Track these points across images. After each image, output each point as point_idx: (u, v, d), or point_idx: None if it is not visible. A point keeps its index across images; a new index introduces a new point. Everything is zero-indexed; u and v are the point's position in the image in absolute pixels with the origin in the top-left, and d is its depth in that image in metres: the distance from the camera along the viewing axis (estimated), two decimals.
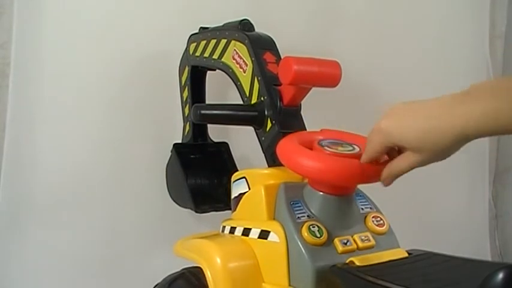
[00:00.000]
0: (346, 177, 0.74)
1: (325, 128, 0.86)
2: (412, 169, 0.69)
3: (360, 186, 0.83)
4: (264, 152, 0.89)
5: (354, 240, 0.76)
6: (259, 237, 0.80)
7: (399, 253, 0.76)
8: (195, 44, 1.05)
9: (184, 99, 1.12)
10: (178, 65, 1.13)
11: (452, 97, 0.64)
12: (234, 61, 0.94)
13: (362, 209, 0.82)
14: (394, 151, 0.71)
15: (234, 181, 0.90)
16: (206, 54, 1.02)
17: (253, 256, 0.81)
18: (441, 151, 0.65)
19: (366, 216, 0.81)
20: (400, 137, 0.66)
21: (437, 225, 1.45)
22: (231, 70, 0.95)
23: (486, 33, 1.51)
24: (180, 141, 1.13)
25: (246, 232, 0.83)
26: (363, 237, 0.77)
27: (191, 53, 1.07)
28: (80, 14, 1.15)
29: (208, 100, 1.11)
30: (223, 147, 1.13)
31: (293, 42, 1.07)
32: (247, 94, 0.91)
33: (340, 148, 0.78)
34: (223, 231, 0.90)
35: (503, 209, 1.58)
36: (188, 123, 1.11)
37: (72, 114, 1.16)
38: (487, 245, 1.51)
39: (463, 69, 1.50)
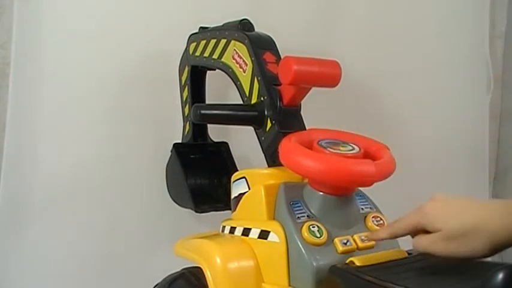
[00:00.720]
0: (346, 178, 0.74)
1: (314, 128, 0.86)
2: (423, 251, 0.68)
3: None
4: (263, 152, 0.89)
5: (354, 240, 0.76)
6: (259, 237, 0.81)
7: (399, 253, 0.76)
8: (194, 43, 1.05)
9: (184, 99, 1.12)
10: (178, 65, 1.13)
11: (506, 204, 0.63)
12: (234, 61, 0.94)
13: (362, 209, 0.82)
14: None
15: (234, 181, 0.90)
16: (206, 54, 1.01)
17: (253, 256, 0.81)
18: (471, 250, 0.63)
19: (365, 216, 0.81)
20: (442, 222, 0.64)
21: None
22: (230, 70, 0.95)
23: (486, 33, 1.51)
24: (180, 141, 1.13)
25: (246, 232, 0.83)
26: (362, 237, 0.77)
27: (191, 52, 1.07)
28: (80, 14, 1.15)
29: (208, 100, 1.11)
30: (223, 147, 1.13)
31: (293, 42, 1.07)
32: (247, 94, 0.91)
33: (340, 148, 0.78)
34: (223, 231, 0.90)
35: None
36: (188, 123, 1.11)
37: (72, 114, 1.16)
38: None
39: (463, 69, 1.50)
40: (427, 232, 0.67)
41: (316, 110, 0.96)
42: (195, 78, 1.09)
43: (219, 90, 1.14)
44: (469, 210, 0.64)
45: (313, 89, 0.85)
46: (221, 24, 1.01)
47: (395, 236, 0.72)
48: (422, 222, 0.67)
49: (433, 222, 0.65)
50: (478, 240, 0.62)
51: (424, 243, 0.67)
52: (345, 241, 0.75)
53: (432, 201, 0.68)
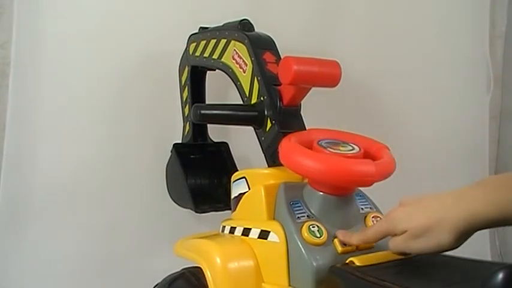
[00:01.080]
0: (346, 178, 0.74)
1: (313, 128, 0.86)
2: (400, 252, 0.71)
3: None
4: (263, 152, 0.89)
5: None
6: (259, 237, 0.80)
7: None
8: (194, 44, 1.05)
9: (184, 99, 1.12)
10: (178, 65, 1.13)
11: (463, 189, 0.66)
12: (234, 61, 0.94)
13: (362, 209, 0.82)
14: None
15: (234, 181, 0.90)
16: (206, 54, 1.01)
17: (253, 256, 0.81)
18: (438, 244, 0.65)
19: (365, 216, 0.81)
20: (406, 223, 0.67)
21: None
22: (230, 70, 0.95)
23: (486, 33, 1.51)
24: (180, 141, 1.13)
25: (246, 232, 0.83)
26: None
27: (191, 53, 1.07)
28: (80, 14, 1.15)
29: (208, 100, 1.11)
30: (223, 147, 1.13)
31: (293, 42, 1.07)
32: (247, 94, 0.91)
33: (340, 148, 0.78)
34: (223, 231, 0.90)
35: None
36: (188, 123, 1.11)
37: (72, 114, 1.16)
38: (487, 245, 1.51)
39: (463, 69, 1.50)
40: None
41: (316, 110, 0.96)
42: (195, 79, 1.09)
43: (219, 90, 1.14)
44: (430, 206, 0.67)
45: (313, 89, 0.85)
46: (221, 24, 1.01)
47: (366, 242, 0.74)
48: (389, 227, 0.70)
49: (398, 225, 0.68)
50: (442, 233, 0.64)
51: (396, 244, 0.69)
52: None
53: (398, 206, 0.71)
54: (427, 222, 0.65)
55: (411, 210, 0.68)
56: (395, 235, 0.69)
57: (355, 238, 0.74)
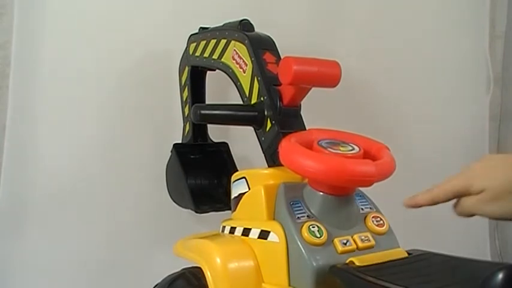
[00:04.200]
0: (346, 178, 0.74)
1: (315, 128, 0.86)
2: (469, 214, 0.63)
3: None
4: (263, 152, 0.89)
5: (354, 241, 0.76)
6: (259, 238, 0.81)
7: (399, 253, 0.76)
8: (194, 44, 1.06)
9: (184, 99, 1.12)
10: (178, 65, 1.13)
11: None
12: (234, 61, 0.94)
13: (362, 209, 0.82)
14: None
15: (234, 181, 0.90)
16: (206, 55, 1.02)
17: (253, 256, 0.81)
18: None
19: (365, 216, 0.81)
20: (485, 182, 0.59)
21: (437, 226, 1.45)
22: (230, 70, 0.95)
23: (486, 33, 1.51)
24: (180, 141, 1.13)
25: (246, 232, 0.83)
26: (362, 237, 0.77)
27: (191, 53, 1.07)
28: (80, 14, 1.15)
29: (208, 100, 1.11)
30: (223, 147, 1.13)
31: (293, 42, 1.07)
32: (247, 94, 0.91)
33: (340, 148, 0.78)
34: (223, 231, 0.90)
35: None
36: (188, 123, 1.11)
37: (72, 114, 1.17)
38: (487, 245, 1.51)
39: (463, 69, 1.50)
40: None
41: (316, 110, 0.96)
42: (195, 79, 1.09)
43: (219, 90, 1.14)
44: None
45: (313, 89, 0.85)
46: (221, 24, 1.01)
47: (436, 202, 0.66)
48: (465, 185, 0.62)
49: (475, 183, 0.60)
50: None
51: (467, 205, 0.62)
52: (345, 241, 0.75)
53: (475, 163, 0.63)
54: (510, 183, 0.57)
55: (493, 166, 0.60)
56: (469, 194, 0.61)
57: (422, 198, 0.66)
